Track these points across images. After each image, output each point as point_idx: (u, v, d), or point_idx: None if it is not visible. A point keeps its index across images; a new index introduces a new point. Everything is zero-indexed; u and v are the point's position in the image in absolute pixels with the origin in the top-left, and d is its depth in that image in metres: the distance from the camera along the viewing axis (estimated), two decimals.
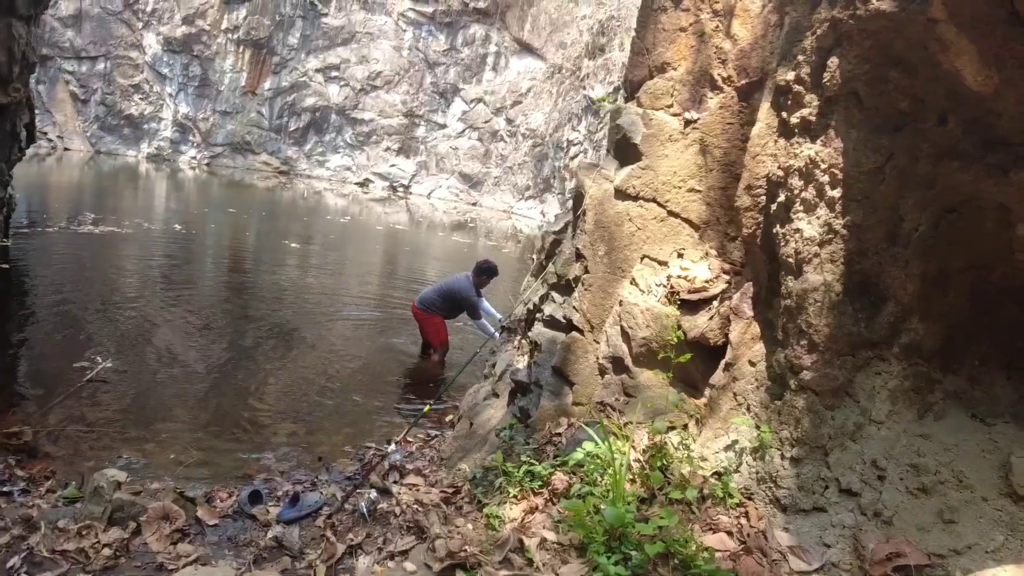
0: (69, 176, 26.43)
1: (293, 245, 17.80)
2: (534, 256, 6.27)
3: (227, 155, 33.57)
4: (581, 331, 5.16)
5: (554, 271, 5.32)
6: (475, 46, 34.32)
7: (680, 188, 5.28)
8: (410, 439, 6.91)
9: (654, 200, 5.25)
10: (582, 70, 31.01)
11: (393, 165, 34.82)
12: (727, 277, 5.09)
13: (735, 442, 4.42)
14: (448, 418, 8.00)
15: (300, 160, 34.32)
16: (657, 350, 4.96)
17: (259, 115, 33.48)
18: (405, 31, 34.19)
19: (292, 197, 28.85)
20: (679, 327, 4.85)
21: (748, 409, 4.50)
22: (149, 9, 31.69)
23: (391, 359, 9.99)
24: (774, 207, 4.38)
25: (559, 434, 4.90)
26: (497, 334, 9.61)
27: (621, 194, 5.21)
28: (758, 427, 4.29)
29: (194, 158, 33.14)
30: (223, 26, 32.38)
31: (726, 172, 5.33)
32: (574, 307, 5.14)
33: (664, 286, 5.09)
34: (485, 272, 9.91)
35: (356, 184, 34.27)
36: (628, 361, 5.03)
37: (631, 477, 4.33)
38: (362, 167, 34.68)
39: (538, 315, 5.52)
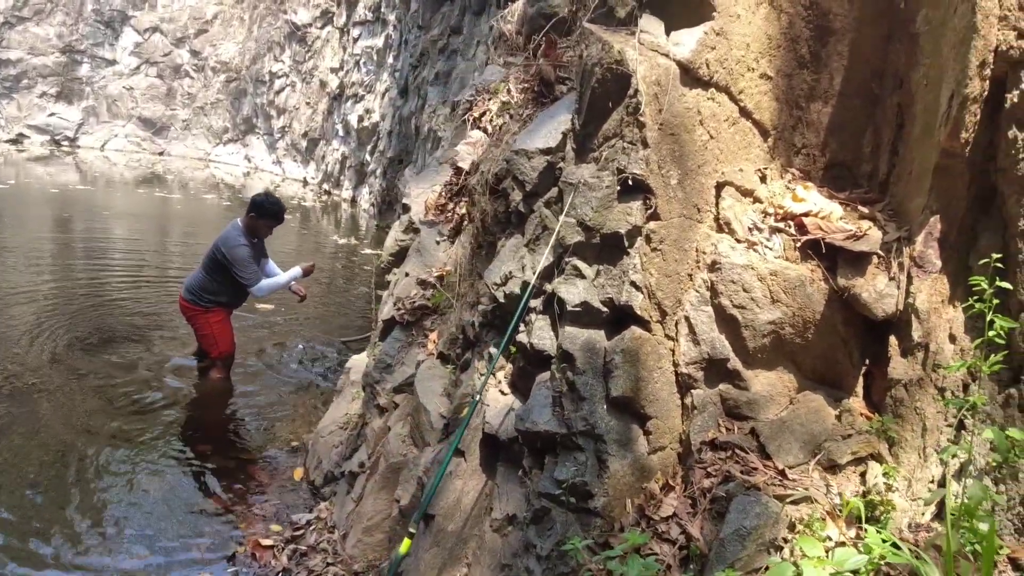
0: None
1: None
2: (477, 198, 3.70)
3: None
4: (646, 323, 2.91)
5: (575, 222, 2.94)
6: None
7: (754, 71, 3.21)
8: (265, 540, 4.19)
9: (727, 90, 3.10)
10: None
11: (53, 114, 27.94)
12: (864, 210, 3.16)
13: (969, 463, 2.64)
14: (299, 476, 5.24)
15: None
16: (791, 338, 2.90)
17: None
18: None
19: None
20: (845, 298, 2.83)
21: (973, 411, 2.74)
22: None
23: (140, 387, 6.62)
24: (1013, 98, 2.53)
25: (668, 518, 2.67)
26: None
27: (691, 76, 2.97)
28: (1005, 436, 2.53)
29: None
30: None
31: (791, 52, 3.43)
32: (632, 282, 2.86)
33: (782, 231, 3.00)
34: (259, 209, 6.49)
35: (7, 142, 27.03)
36: (735, 363, 2.92)
37: None
38: (13, 120, 27.31)
39: (536, 302, 3.14)
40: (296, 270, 6.76)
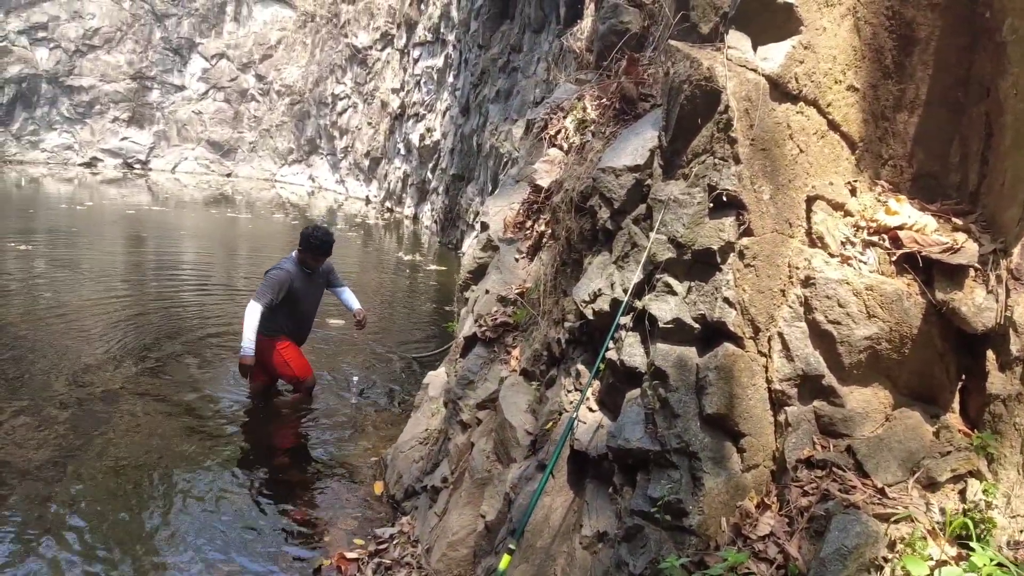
0: None
1: (22, 247, 13.40)
2: (562, 216, 3.72)
3: None
4: (739, 339, 2.90)
5: (665, 238, 2.97)
6: None
7: (840, 83, 3.19)
8: (349, 554, 4.27)
9: (815, 103, 3.09)
10: (341, 16, 27.75)
11: (125, 138, 29.18)
12: (957, 222, 3.11)
13: None
14: (380, 490, 5.31)
15: (8, 143, 27.44)
16: (888, 353, 2.86)
17: None
18: None
19: (3, 188, 22.97)
20: (943, 312, 2.79)
21: None
22: None
23: (213, 403, 6.79)
24: None
25: (765, 537, 2.65)
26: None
27: (780, 91, 2.98)
28: None
29: None
30: None
31: (876, 63, 3.39)
32: (725, 299, 2.87)
33: (876, 245, 2.98)
34: (303, 242, 6.58)
35: (81, 165, 28.31)
36: (830, 379, 2.89)
37: None
38: (87, 144, 28.64)
39: (625, 319, 3.16)
40: (250, 347, 6.34)
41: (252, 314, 6.36)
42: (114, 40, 28.36)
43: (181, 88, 29.73)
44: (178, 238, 16.54)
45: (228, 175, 29.93)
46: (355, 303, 7.20)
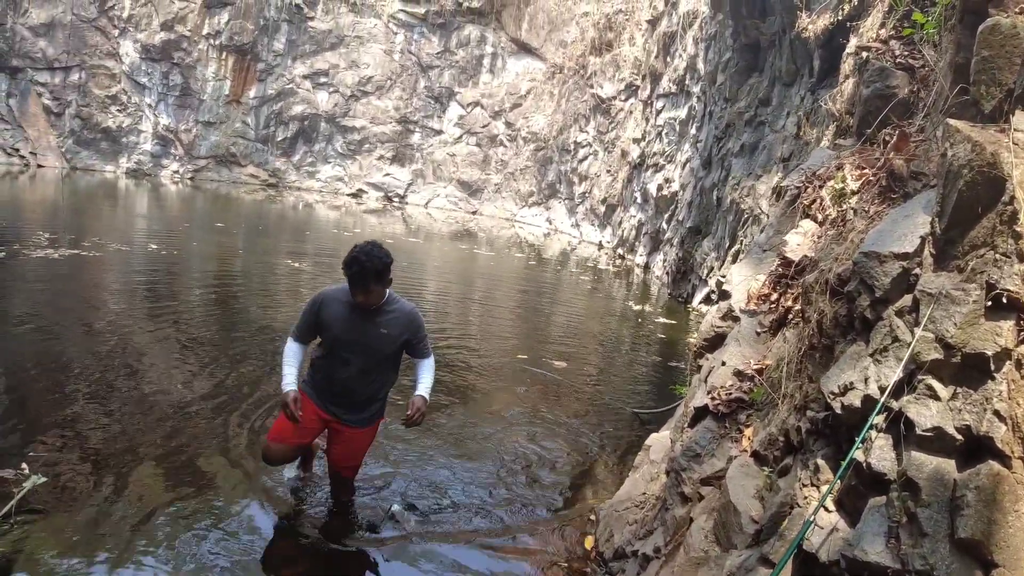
0: (42, 194, 23.41)
1: (295, 264, 15.07)
2: (814, 297, 3.54)
3: (211, 168, 30.71)
4: (1006, 459, 2.58)
5: (932, 336, 2.72)
6: (470, 48, 31.89)
7: None
8: None
9: None
10: (587, 68, 28.61)
11: (387, 174, 32.12)
12: None
13: None
14: (589, 544, 5.30)
15: (289, 171, 31.51)
16: None
17: (244, 125, 30.61)
18: (396, 34, 31.61)
19: (282, 210, 26.15)
20: None
21: None
22: (125, 15, 28.79)
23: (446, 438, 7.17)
24: None
25: None
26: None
27: None
28: None
29: (176, 172, 30.23)
30: (204, 31, 29.50)
31: None
32: (996, 411, 2.56)
33: None
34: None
35: (349, 195, 31.58)
36: None
37: None
38: (355, 177, 31.93)
39: (875, 419, 2.93)
40: (291, 386, 4.83)
41: (286, 353, 5.01)
42: (384, 87, 31.41)
43: (439, 132, 32.15)
44: (426, 267, 17.75)
45: (473, 212, 31.74)
46: (422, 386, 5.04)
